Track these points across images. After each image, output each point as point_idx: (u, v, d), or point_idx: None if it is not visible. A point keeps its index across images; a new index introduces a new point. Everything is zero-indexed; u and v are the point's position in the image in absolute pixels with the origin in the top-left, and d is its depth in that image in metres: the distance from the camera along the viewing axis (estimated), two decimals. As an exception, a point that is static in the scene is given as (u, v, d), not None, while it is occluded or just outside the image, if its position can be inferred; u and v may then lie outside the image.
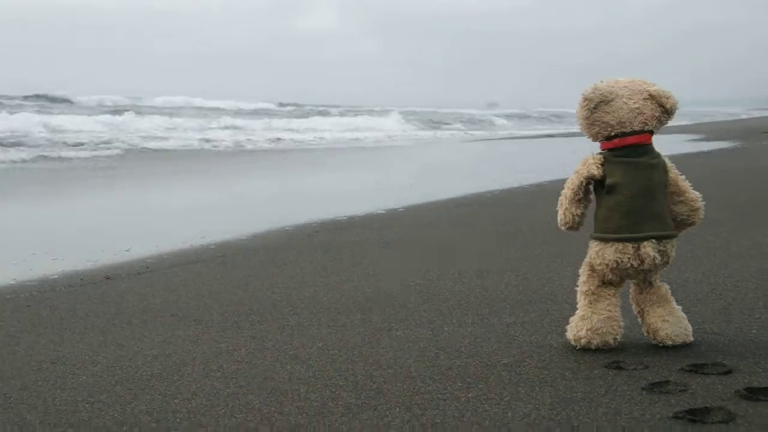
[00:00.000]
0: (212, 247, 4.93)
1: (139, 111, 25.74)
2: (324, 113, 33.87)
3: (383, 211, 6.27)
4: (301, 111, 35.40)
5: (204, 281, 3.86)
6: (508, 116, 39.89)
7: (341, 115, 33.24)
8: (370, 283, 3.63)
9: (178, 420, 2.03)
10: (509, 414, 1.93)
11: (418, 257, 4.21)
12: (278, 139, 21.13)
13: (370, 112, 34.08)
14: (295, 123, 26.83)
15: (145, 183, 10.93)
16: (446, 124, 33.16)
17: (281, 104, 38.56)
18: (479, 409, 1.98)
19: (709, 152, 11.98)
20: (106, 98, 31.32)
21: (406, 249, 4.51)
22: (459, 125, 32.65)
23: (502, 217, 5.64)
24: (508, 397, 2.04)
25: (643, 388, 2.04)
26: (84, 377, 2.43)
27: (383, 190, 8.66)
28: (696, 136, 17.43)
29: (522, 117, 41.71)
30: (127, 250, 4.87)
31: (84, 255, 4.73)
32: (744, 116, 44.85)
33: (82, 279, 4.02)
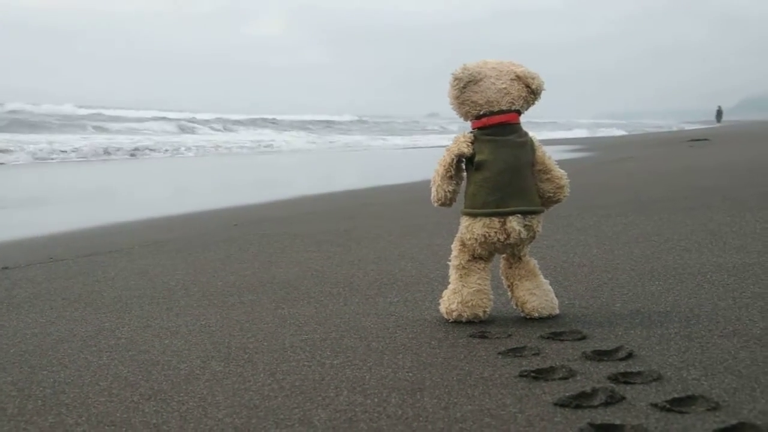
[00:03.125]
0: (121, 239, 4.89)
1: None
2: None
3: (300, 207, 6.30)
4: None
5: (104, 270, 3.84)
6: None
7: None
8: (268, 269, 3.66)
9: (41, 389, 2.03)
10: (367, 376, 1.98)
11: (323, 247, 4.26)
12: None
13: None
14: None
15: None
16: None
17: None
18: (340, 373, 2.03)
19: (621, 159, 12.35)
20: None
21: (313, 240, 4.55)
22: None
23: (408, 211, 5.71)
24: (371, 363, 2.10)
25: (499, 353, 2.12)
26: (-45, 353, 2.41)
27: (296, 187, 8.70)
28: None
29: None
30: (31, 240, 4.80)
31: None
32: (675, 128, 46.62)
33: (-22, 268, 3.95)
